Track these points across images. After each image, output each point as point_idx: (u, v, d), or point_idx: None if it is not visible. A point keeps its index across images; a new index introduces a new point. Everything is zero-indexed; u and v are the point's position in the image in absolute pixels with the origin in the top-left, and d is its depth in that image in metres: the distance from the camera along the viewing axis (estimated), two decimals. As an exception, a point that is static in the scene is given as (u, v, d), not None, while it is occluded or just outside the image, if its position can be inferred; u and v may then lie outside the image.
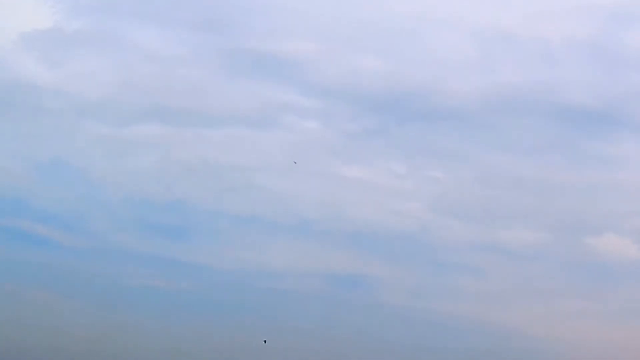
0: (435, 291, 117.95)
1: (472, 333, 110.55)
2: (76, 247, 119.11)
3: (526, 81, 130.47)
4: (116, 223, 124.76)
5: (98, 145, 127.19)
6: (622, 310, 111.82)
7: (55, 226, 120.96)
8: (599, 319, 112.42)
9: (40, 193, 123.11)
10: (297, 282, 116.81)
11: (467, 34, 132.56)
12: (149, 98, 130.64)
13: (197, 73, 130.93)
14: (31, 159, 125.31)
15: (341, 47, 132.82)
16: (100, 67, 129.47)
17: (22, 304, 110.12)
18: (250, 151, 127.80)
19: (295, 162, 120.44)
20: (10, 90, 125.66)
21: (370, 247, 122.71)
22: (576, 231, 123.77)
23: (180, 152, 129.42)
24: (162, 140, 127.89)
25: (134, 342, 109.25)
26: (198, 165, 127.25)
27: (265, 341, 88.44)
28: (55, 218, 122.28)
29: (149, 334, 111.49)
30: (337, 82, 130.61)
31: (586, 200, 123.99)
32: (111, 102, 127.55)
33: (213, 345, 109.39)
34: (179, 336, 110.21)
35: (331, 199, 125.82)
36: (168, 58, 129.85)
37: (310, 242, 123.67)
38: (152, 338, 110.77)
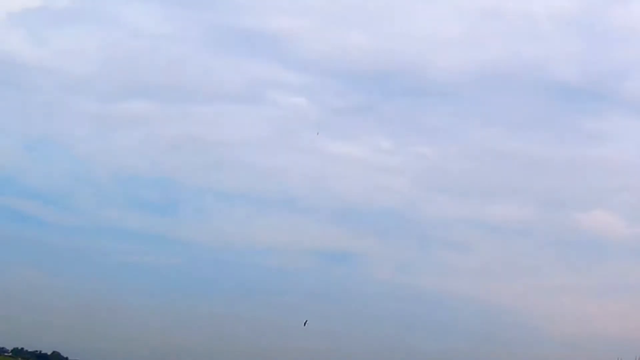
0: (422, 266, 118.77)
1: (459, 307, 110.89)
2: (64, 223, 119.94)
3: (513, 57, 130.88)
4: (104, 200, 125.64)
5: (85, 122, 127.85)
6: (609, 285, 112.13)
7: (43, 203, 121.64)
8: (586, 294, 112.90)
9: (27, 170, 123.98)
10: (285, 258, 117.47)
11: (454, 10, 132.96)
12: (135, 75, 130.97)
13: (183, 50, 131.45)
14: (18, 136, 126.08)
15: (327, 23, 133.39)
16: (87, 45, 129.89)
17: (10, 280, 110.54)
18: (237, 127, 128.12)
19: (317, 134, 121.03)
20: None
21: (357, 222, 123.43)
22: (564, 207, 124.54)
23: (166, 129, 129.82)
24: (148, 116, 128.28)
25: (122, 317, 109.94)
26: (185, 141, 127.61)
27: (305, 322, 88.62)
28: (43, 195, 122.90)
29: (137, 309, 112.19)
30: (323, 59, 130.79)
31: (574, 176, 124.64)
32: (98, 79, 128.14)
33: (201, 320, 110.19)
34: (167, 311, 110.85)
35: (318, 175, 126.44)
36: (154, 35, 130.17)
37: (297, 218, 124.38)
38: (141, 313, 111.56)
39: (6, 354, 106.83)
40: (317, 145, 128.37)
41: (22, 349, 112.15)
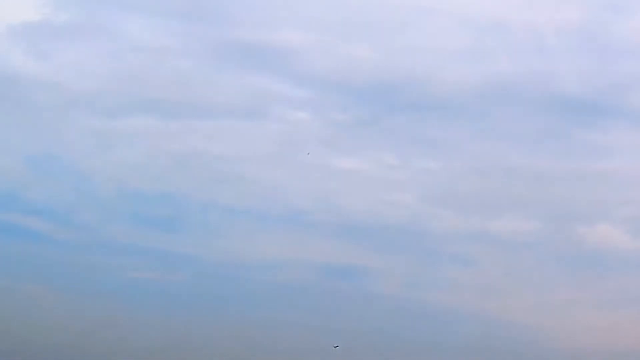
0: (427, 281, 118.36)
1: (465, 323, 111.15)
2: (67, 240, 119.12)
3: (518, 70, 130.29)
4: (107, 215, 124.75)
5: (88, 137, 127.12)
6: (614, 299, 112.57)
7: (46, 219, 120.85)
8: (591, 308, 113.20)
9: (30, 186, 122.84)
10: (289, 274, 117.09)
11: (459, 23, 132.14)
12: (138, 89, 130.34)
13: (186, 64, 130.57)
14: (20, 152, 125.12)
15: (332, 37, 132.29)
16: (89, 59, 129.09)
17: (13, 297, 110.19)
18: (241, 142, 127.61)
19: (308, 154, 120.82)
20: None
21: (362, 238, 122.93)
22: (568, 221, 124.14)
23: (170, 144, 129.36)
24: (152, 131, 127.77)
25: (127, 334, 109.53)
26: (188, 156, 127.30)
27: (336, 346, 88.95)
28: (46, 211, 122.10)
29: (141, 326, 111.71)
30: (327, 72, 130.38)
31: (578, 190, 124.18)
32: (100, 93, 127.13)
33: (206, 337, 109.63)
34: (172, 328, 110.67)
35: (322, 190, 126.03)
36: (157, 49, 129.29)
37: (302, 234, 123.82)
38: (145, 330, 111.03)
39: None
40: (321, 160, 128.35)
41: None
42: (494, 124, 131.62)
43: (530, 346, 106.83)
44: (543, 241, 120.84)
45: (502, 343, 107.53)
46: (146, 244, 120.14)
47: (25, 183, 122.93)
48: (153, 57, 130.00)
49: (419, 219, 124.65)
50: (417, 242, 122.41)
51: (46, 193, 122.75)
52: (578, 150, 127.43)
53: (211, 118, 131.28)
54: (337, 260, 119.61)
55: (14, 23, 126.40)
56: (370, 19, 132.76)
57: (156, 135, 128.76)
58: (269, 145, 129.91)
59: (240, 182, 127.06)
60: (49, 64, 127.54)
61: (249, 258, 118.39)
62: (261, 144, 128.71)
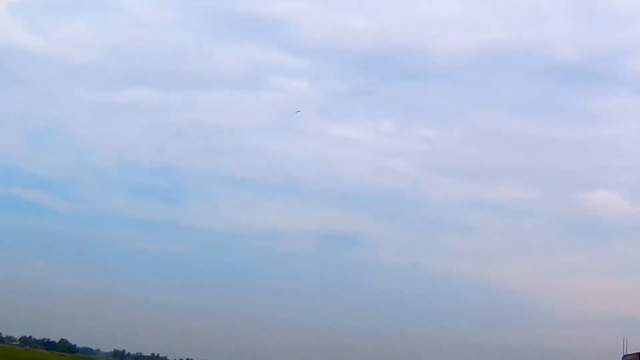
0: (426, 248, 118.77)
1: (464, 289, 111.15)
2: (69, 212, 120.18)
3: (514, 38, 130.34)
4: (108, 187, 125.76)
5: (88, 110, 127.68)
6: (613, 265, 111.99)
7: (47, 192, 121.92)
8: (590, 273, 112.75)
9: (31, 160, 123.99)
10: (289, 242, 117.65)
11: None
12: (136, 62, 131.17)
13: (183, 36, 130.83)
14: (21, 126, 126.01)
15: (328, 7, 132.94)
16: (87, 33, 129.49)
17: (16, 269, 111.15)
18: (239, 112, 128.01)
19: (298, 111, 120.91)
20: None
21: (361, 205, 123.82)
22: (567, 187, 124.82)
23: (169, 116, 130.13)
24: (151, 104, 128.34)
25: (128, 304, 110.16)
26: (187, 128, 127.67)
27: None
28: (46, 184, 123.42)
29: (143, 295, 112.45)
30: (324, 42, 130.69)
31: (576, 156, 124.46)
32: (99, 67, 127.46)
33: (207, 306, 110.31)
34: (173, 298, 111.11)
35: (321, 158, 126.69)
36: (154, 22, 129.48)
37: (302, 202, 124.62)
38: (146, 299, 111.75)
39: (14, 342, 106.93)
40: (319, 128, 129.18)
41: (30, 337, 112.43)
42: (491, 92, 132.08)
43: (529, 310, 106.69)
44: (542, 208, 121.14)
45: (501, 307, 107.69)
46: (146, 215, 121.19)
47: (25, 156, 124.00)
48: (150, 31, 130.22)
49: (418, 186, 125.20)
50: (416, 209, 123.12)
51: (46, 166, 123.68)
52: (576, 117, 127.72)
53: (209, 89, 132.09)
54: (336, 228, 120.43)
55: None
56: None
57: (155, 108, 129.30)
58: (267, 115, 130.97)
59: (239, 152, 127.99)
60: (48, 38, 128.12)
61: (249, 227, 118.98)
62: (259, 114, 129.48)
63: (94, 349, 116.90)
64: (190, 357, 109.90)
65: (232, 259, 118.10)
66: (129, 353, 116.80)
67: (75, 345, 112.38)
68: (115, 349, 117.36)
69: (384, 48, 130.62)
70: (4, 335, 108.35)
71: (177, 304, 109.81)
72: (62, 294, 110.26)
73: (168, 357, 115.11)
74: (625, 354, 46.21)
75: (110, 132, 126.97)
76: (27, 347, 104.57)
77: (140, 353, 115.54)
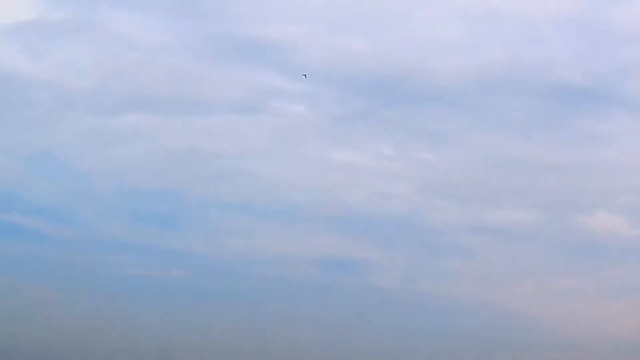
0: (426, 273, 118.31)
1: (465, 314, 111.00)
2: (67, 238, 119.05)
3: (514, 59, 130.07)
4: (106, 213, 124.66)
5: (85, 136, 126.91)
6: (614, 288, 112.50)
7: (46, 218, 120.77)
8: (592, 296, 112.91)
9: (29, 185, 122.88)
10: (289, 268, 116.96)
11: (454, 13, 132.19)
12: (134, 87, 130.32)
13: (181, 60, 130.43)
14: (19, 152, 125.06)
15: (326, 29, 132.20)
16: (84, 57, 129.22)
17: (14, 297, 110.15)
18: (238, 137, 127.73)
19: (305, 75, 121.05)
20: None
21: (361, 230, 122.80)
22: (567, 210, 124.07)
23: (167, 141, 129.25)
24: (149, 129, 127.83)
25: (128, 332, 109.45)
26: (186, 153, 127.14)
27: None
28: (45, 210, 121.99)
29: (142, 323, 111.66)
30: (322, 65, 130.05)
31: (577, 179, 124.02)
32: (96, 92, 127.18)
33: (207, 332, 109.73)
34: (171, 325, 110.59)
35: (320, 183, 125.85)
36: (152, 46, 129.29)
37: (301, 227, 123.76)
38: (146, 327, 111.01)
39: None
40: (319, 153, 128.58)
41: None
42: (490, 114, 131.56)
43: (531, 335, 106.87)
44: (542, 231, 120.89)
45: (503, 332, 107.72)
46: (145, 241, 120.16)
47: (23, 182, 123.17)
48: (148, 54, 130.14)
49: (417, 210, 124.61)
50: (416, 233, 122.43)
51: (45, 192, 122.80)
52: (576, 139, 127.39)
53: (208, 114, 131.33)
54: (336, 254, 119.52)
55: (8, 22, 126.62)
56: (365, 11, 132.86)
57: (153, 132, 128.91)
58: (266, 140, 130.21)
59: (238, 178, 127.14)
60: (45, 63, 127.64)
61: (249, 253, 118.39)
62: (258, 139, 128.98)
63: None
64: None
65: (232, 284, 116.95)
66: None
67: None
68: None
69: (384, 71, 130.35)
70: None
71: (177, 329, 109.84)
72: (60, 319, 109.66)
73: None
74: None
75: (108, 157, 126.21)
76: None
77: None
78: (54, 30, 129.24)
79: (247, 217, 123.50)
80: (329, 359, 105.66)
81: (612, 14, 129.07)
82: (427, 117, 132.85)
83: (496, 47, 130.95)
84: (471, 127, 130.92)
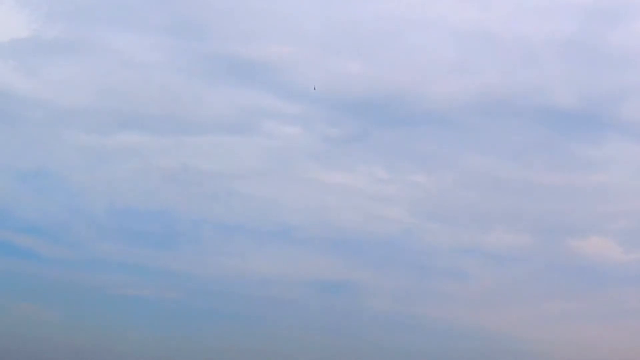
0: (419, 296, 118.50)
1: (457, 337, 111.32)
2: (59, 257, 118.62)
3: (508, 82, 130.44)
4: (99, 232, 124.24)
5: (78, 154, 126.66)
6: (607, 312, 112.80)
7: (38, 236, 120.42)
8: (584, 320, 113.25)
9: (21, 203, 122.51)
10: (282, 289, 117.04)
11: (448, 36, 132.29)
12: (127, 105, 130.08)
13: (175, 79, 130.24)
14: (11, 169, 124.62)
15: (320, 50, 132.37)
16: (78, 75, 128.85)
17: (5, 315, 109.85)
18: (231, 158, 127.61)
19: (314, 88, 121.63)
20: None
21: (354, 252, 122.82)
22: (560, 233, 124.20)
23: (161, 160, 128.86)
24: (142, 148, 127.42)
25: (121, 352, 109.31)
26: (179, 172, 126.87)
27: None
28: (37, 228, 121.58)
29: (135, 343, 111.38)
30: (318, 87, 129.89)
31: (570, 203, 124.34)
32: (90, 110, 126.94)
33: (200, 353, 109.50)
34: (165, 345, 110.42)
35: (313, 205, 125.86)
36: (145, 64, 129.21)
37: (294, 249, 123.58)
38: (139, 348, 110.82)
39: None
40: (312, 175, 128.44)
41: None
42: (484, 137, 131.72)
43: (524, 358, 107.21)
44: (536, 254, 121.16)
45: (495, 356, 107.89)
46: (138, 261, 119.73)
47: (15, 200, 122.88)
48: (142, 73, 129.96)
49: (411, 233, 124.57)
50: (409, 256, 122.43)
51: (37, 210, 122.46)
52: (570, 163, 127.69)
53: (201, 134, 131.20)
54: (330, 276, 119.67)
55: (3, 40, 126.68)
56: (359, 33, 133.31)
57: (146, 152, 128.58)
58: (260, 161, 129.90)
59: (232, 198, 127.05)
60: (39, 81, 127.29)
61: (242, 274, 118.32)
62: (252, 160, 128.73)
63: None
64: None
65: (225, 305, 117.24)
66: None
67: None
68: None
69: (378, 93, 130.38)
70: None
71: (169, 350, 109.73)
72: (52, 339, 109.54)
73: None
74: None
75: (102, 175, 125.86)
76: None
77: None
78: (49, 48, 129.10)
79: (240, 237, 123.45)
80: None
81: (608, 37, 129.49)
82: (421, 139, 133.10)
83: (491, 69, 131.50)
84: (465, 150, 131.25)
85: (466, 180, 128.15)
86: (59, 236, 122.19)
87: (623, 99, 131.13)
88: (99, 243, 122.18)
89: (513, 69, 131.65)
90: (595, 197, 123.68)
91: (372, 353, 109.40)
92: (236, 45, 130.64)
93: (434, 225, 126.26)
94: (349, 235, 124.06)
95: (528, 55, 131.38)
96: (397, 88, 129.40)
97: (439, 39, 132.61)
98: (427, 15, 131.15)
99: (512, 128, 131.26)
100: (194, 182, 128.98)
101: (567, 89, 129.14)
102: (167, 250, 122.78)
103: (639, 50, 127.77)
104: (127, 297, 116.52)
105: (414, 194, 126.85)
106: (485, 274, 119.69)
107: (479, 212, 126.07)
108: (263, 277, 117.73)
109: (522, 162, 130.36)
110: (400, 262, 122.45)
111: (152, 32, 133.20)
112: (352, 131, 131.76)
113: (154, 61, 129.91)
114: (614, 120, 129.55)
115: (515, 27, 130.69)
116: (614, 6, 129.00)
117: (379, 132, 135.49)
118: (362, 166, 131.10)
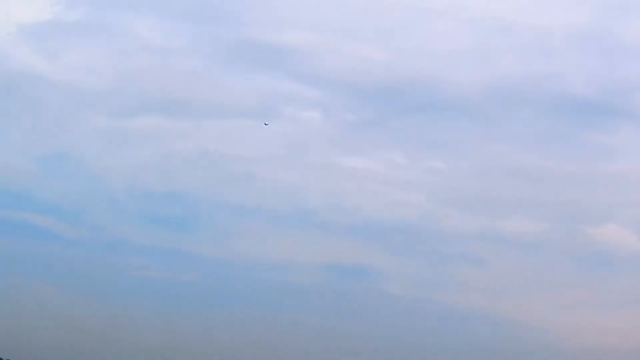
0: (436, 281, 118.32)
1: (474, 323, 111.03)
2: (78, 239, 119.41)
3: (525, 72, 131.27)
4: (118, 215, 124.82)
5: (98, 137, 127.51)
6: (622, 299, 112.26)
7: (58, 218, 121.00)
8: (600, 307, 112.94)
9: (42, 186, 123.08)
10: (299, 273, 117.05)
11: (466, 24, 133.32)
12: (148, 89, 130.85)
13: (196, 64, 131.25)
14: (32, 152, 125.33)
15: (340, 37, 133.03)
16: (99, 59, 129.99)
17: (26, 296, 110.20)
18: (251, 142, 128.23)
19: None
20: (10, 83, 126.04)
21: (372, 237, 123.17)
22: (576, 221, 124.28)
23: (180, 144, 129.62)
24: (162, 131, 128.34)
25: (137, 333, 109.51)
26: (199, 156, 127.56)
27: None
28: (57, 210, 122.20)
29: (151, 324, 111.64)
30: (336, 73, 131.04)
31: (586, 191, 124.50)
32: (110, 93, 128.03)
33: (216, 335, 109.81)
34: (182, 327, 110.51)
35: (332, 189, 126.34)
36: (167, 49, 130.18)
37: (312, 233, 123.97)
38: (155, 329, 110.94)
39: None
40: (331, 160, 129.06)
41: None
42: (501, 125, 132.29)
43: (539, 345, 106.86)
44: (552, 241, 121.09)
45: (511, 342, 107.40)
46: (156, 244, 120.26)
47: (36, 182, 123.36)
48: (163, 57, 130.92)
49: (429, 218, 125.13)
50: (427, 241, 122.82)
51: (57, 192, 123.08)
52: (586, 152, 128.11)
53: (221, 118, 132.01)
54: (347, 260, 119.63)
55: (24, 22, 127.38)
56: (378, 20, 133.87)
57: (166, 135, 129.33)
58: (279, 145, 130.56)
59: (251, 182, 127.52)
60: (60, 64, 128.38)
61: (260, 258, 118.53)
62: (271, 144, 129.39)
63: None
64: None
65: (241, 288, 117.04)
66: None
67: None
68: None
69: (397, 80, 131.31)
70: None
71: (187, 333, 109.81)
72: (72, 320, 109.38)
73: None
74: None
75: (121, 159, 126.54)
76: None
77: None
78: (70, 31, 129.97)
79: (258, 221, 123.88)
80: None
81: (623, 28, 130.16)
82: (439, 126, 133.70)
83: (507, 58, 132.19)
84: (483, 138, 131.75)
85: (484, 168, 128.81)
86: (78, 218, 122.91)
87: (638, 89, 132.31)
88: (117, 225, 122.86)
89: (529, 58, 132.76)
90: (612, 186, 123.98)
91: (387, 337, 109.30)
92: (257, 32, 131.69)
93: (452, 211, 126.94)
94: (366, 220, 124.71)
95: (544, 45, 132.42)
96: (415, 75, 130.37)
97: (457, 28, 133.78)
98: (445, 3, 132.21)
99: (529, 116, 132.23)
100: (214, 165, 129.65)
101: (583, 79, 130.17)
102: (185, 233, 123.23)
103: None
104: (145, 279, 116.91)
105: (432, 180, 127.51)
106: (502, 261, 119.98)
107: (497, 199, 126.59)
108: (280, 260, 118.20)
109: (539, 150, 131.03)
110: (417, 247, 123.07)
111: (174, 17, 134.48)
112: (371, 117, 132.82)
113: (175, 46, 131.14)
114: (629, 109, 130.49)
115: (533, 17, 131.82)
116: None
117: (398, 118, 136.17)
118: (380, 152, 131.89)
